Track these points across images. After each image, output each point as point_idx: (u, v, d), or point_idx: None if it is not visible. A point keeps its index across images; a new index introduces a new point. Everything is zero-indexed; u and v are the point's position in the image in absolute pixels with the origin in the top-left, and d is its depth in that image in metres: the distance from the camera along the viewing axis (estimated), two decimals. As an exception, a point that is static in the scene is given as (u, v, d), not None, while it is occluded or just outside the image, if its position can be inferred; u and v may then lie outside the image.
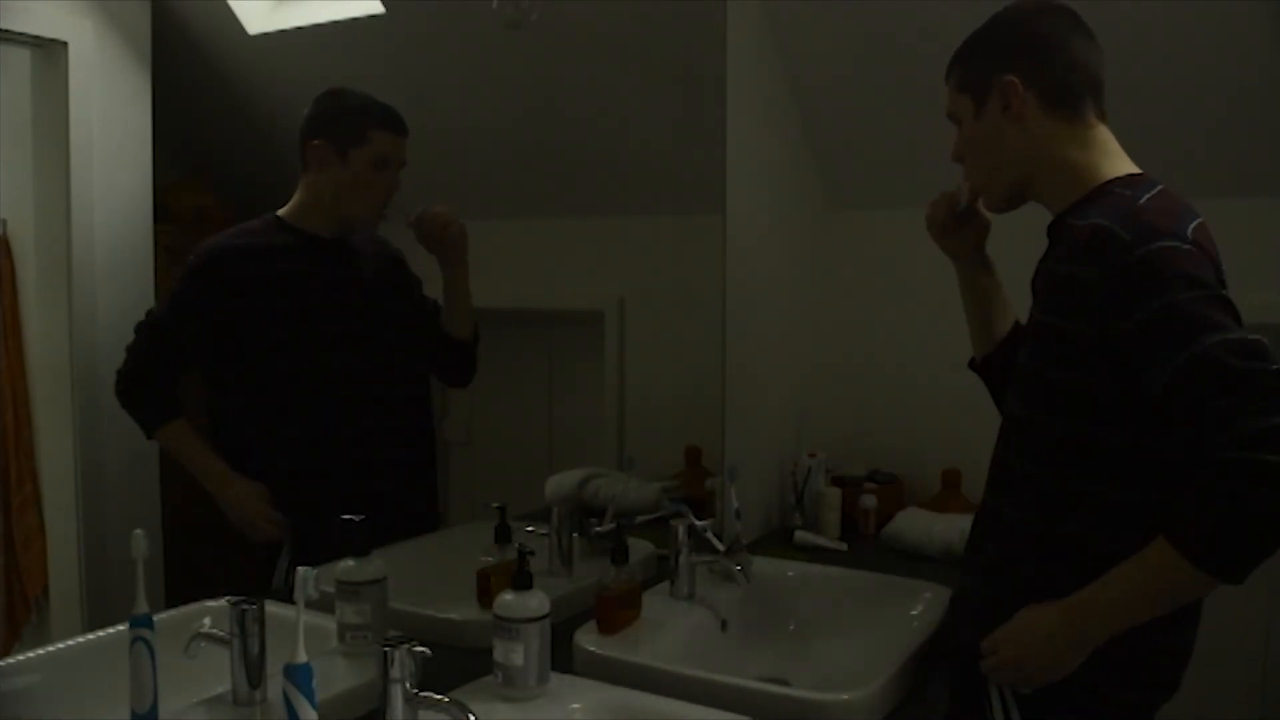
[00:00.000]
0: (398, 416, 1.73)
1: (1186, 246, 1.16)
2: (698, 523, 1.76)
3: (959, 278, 1.57)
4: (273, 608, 1.22)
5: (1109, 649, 1.21)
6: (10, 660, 1.22)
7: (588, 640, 1.50)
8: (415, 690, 1.11)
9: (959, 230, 1.52)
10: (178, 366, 1.50)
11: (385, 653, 1.11)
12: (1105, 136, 1.33)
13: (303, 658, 1.03)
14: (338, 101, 1.60)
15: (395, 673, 1.10)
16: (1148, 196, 1.22)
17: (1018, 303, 1.39)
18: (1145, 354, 1.14)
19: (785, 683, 1.53)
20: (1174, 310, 1.13)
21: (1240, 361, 1.08)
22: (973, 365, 1.59)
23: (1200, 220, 1.22)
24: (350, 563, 1.37)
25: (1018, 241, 1.49)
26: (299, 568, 1.06)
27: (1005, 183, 1.38)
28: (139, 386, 1.43)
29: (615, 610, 1.54)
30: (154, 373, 1.46)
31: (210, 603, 1.37)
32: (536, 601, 1.31)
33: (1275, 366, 1.08)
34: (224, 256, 1.51)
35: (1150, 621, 1.19)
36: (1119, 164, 1.31)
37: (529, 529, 1.74)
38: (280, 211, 1.59)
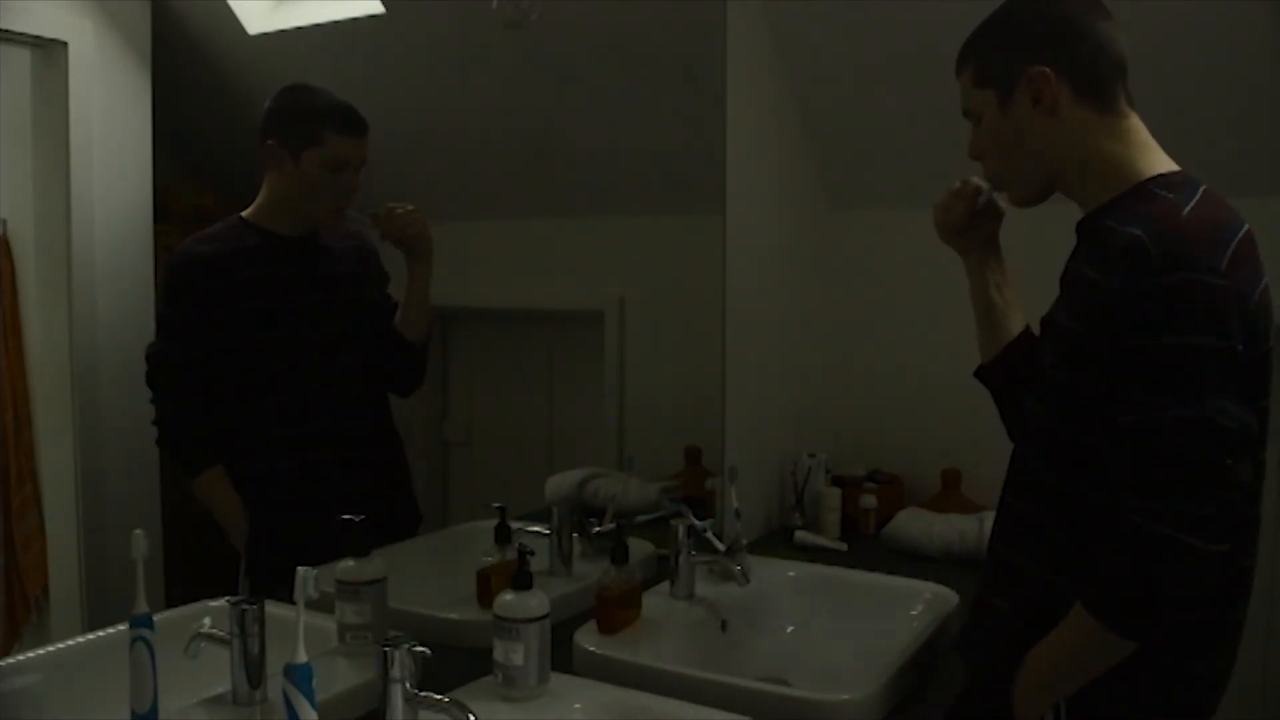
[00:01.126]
0: (374, 415, 1.72)
1: (1218, 281, 1.09)
2: (698, 523, 1.76)
3: (969, 274, 1.47)
4: (273, 608, 1.22)
5: (1138, 677, 1.19)
6: (10, 660, 1.22)
7: (588, 640, 1.50)
8: (415, 690, 1.11)
9: (972, 229, 1.44)
10: (207, 395, 1.50)
11: (385, 653, 1.11)
12: (1138, 126, 1.25)
13: (303, 658, 1.03)
14: (294, 100, 1.56)
15: (395, 673, 1.10)
16: (1191, 205, 1.15)
17: (1041, 301, 1.35)
18: (1126, 382, 1.13)
19: (785, 683, 1.53)
20: (1170, 356, 1.10)
21: (1194, 445, 1.09)
22: (979, 374, 1.50)
23: (1244, 231, 1.15)
24: (350, 563, 1.37)
25: (1038, 236, 1.46)
26: (299, 568, 1.06)
27: (1035, 180, 1.30)
28: (181, 430, 1.46)
29: (615, 610, 1.54)
30: (191, 413, 1.48)
31: (210, 603, 1.37)
32: (536, 601, 1.31)
33: (1226, 460, 1.08)
34: (197, 265, 1.49)
35: (1178, 647, 1.19)
36: (1155, 159, 1.23)
37: (529, 529, 1.74)
38: (244, 213, 1.56)
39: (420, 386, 1.79)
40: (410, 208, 1.63)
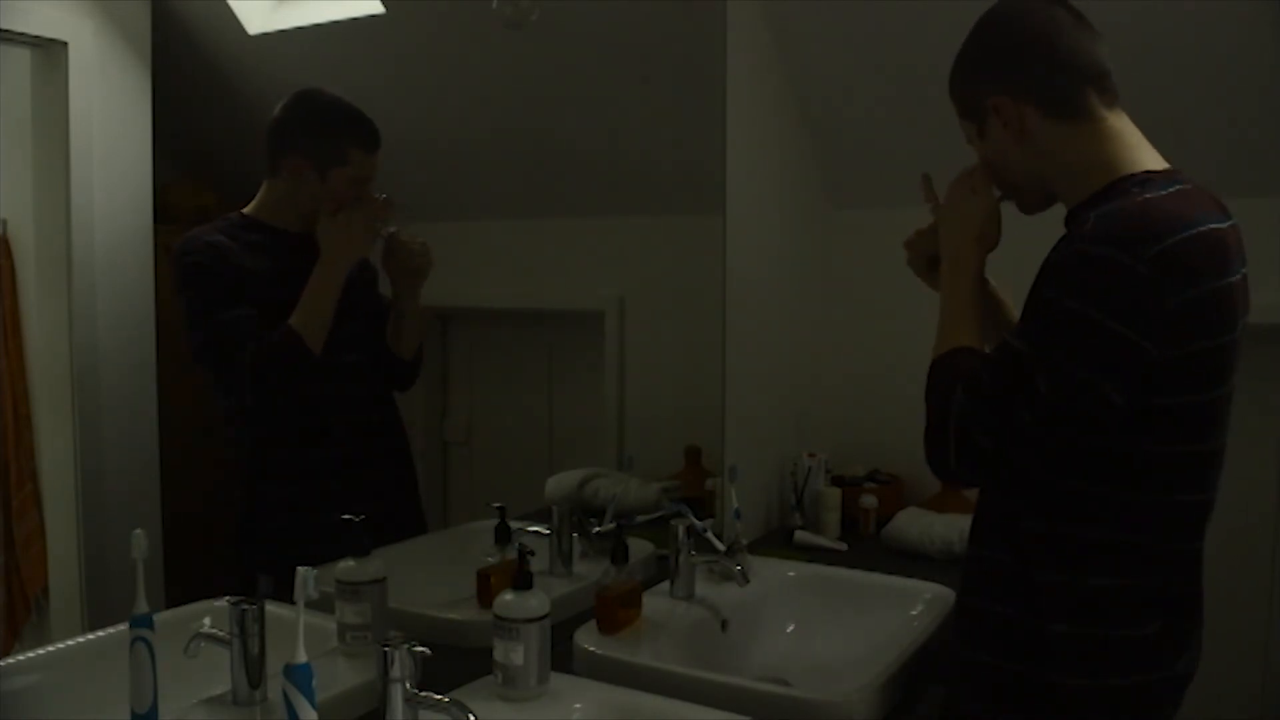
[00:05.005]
0: (378, 411, 1.73)
1: (1131, 264, 1.10)
2: (698, 523, 1.76)
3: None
4: (273, 608, 1.22)
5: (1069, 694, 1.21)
6: (10, 660, 1.22)
7: (588, 640, 1.50)
8: (415, 690, 1.11)
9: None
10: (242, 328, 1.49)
11: (385, 653, 1.11)
12: (1119, 127, 1.25)
13: (303, 658, 1.04)
14: (315, 114, 1.57)
15: (395, 673, 1.10)
16: (1154, 195, 1.16)
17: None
18: (1027, 323, 1.20)
19: (785, 683, 1.53)
20: (1037, 303, 1.17)
21: (985, 368, 1.20)
22: None
23: (1205, 228, 1.15)
24: (350, 563, 1.37)
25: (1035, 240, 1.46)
26: (299, 568, 1.06)
27: (1033, 192, 1.34)
28: (284, 368, 1.48)
29: (615, 610, 1.54)
30: (290, 352, 1.48)
31: (210, 603, 1.37)
32: (536, 601, 1.31)
33: (990, 382, 1.19)
34: (209, 250, 1.48)
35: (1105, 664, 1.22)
36: (1139, 156, 1.23)
37: (529, 529, 1.74)
38: (245, 210, 1.55)
39: (413, 385, 1.80)
40: (421, 240, 1.65)
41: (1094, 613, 1.21)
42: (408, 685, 1.11)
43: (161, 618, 1.15)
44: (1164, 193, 1.17)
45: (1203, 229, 1.15)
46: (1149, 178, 1.20)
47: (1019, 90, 1.26)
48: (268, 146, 1.56)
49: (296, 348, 1.49)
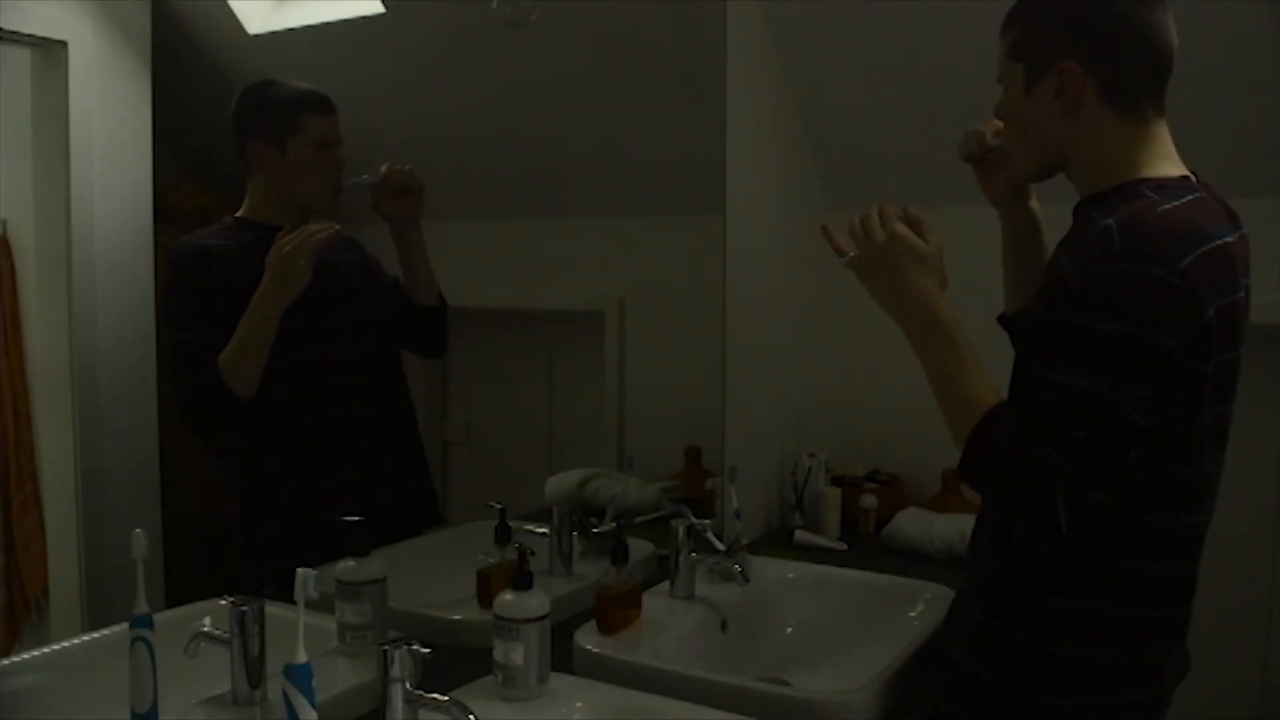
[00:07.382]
0: (385, 403, 1.73)
1: (1170, 278, 1.08)
2: (698, 523, 1.76)
3: (1001, 222, 1.48)
4: (273, 608, 1.22)
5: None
6: (10, 660, 1.22)
7: (588, 640, 1.50)
8: (415, 690, 1.11)
9: (990, 167, 1.43)
10: (190, 353, 1.49)
11: (385, 653, 1.11)
12: (1158, 134, 1.23)
13: (303, 658, 1.04)
14: (262, 96, 1.57)
15: (395, 673, 1.10)
16: (1171, 205, 1.14)
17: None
18: (1054, 349, 1.14)
19: (785, 683, 1.53)
20: (1086, 335, 1.11)
21: (1099, 420, 1.10)
22: (1001, 320, 1.51)
23: (1225, 240, 1.15)
24: (350, 563, 1.37)
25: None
26: (299, 569, 1.06)
27: (1036, 161, 1.31)
28: (207, 415, 1.49)
29: (615, 610, 1.54)
30: (214, 397, 1.47)
31: (210, 603, 1.37)
32: (536, 601, 1.31)
33: (1086, 434, 1.10)
34: (202, 255, 1.49)
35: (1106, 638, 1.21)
36: (1160, 164, 1.21)
37: (529, 529, 1.74)
38: (237, 214, 1.56)
39: (446, 347, 1.81)
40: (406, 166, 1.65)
41: (1093, 636, 1.20)
42: (408, 685, 1.11)
43: (161, 618, 1.15)
44: (1179, 202, 1.15)
45: (1223, 239, 1.14)
46: (1163, 184, 1.18)
47: (1095, 63, 1.21)
48: (235, 148, 1.56)
49: (220, 393, 1.46)
